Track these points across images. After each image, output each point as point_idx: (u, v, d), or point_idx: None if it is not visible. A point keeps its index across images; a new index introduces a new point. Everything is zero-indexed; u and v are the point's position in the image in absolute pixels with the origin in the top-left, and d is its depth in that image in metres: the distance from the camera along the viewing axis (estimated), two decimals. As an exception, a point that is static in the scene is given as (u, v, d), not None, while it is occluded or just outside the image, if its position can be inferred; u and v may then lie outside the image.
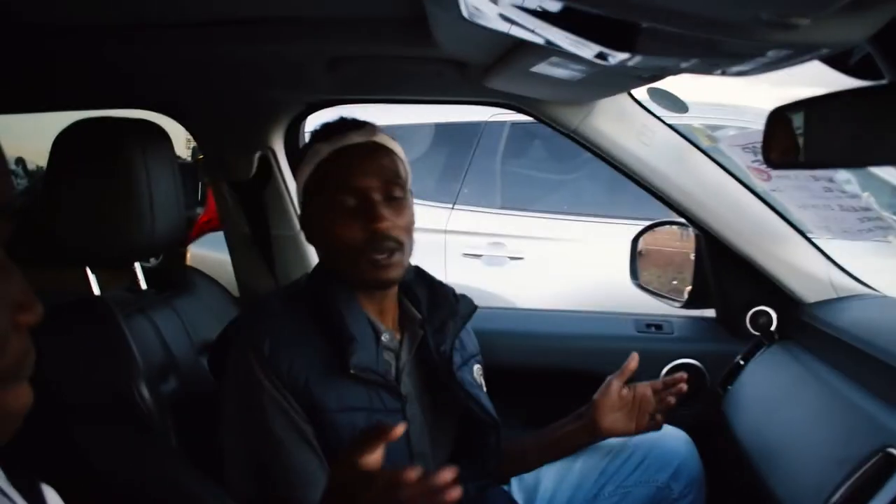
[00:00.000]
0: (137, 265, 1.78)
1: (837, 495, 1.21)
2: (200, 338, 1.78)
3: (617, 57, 0.93)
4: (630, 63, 0.97)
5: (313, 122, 2.19)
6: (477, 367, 1.71)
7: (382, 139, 1.50)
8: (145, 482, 1.42)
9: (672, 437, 1.80)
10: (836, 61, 1.13)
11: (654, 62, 1.00)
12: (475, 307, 1.67)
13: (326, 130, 1.50)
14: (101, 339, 1.45)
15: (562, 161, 4.12)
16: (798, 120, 1.08)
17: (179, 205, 1.68)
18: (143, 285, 1.81)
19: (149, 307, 1.67)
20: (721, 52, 0.89)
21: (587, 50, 0.93)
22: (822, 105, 1.04)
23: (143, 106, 2.00)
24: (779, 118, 1.10)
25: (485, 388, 1.70)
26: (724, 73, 1.04)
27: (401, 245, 1.46)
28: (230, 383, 1.41)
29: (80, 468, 1.33)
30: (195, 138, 2.17)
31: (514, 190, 4.12)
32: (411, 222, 1.50)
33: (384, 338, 1.51)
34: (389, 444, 1.40)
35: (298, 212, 1.51)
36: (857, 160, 1.11)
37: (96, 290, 1.66)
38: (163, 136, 1.65)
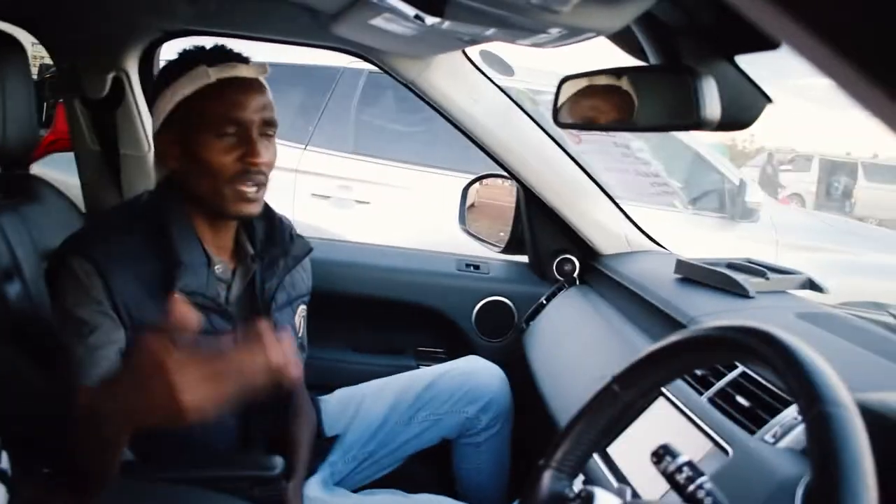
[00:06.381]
0: (-14, 170, 1.80)
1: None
2: (45, 246, 1.81)
3: (431, 20, 1.12)
4: (444, 27, 1.16)
5: (168, 49, 2.29)
6: (301, 309, 1.75)
7: (264, 78, 1.54)
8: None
9: (486, 372, 1.98)
10: (625, 44, 1.36)
11: (463, 28, 1.18)
12: (309, 249, 1.73)
13: (214, 55, 1.49)
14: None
15: (412, 113, 4.27)
16: (581, 88, 1.31)
17: (33, 115, 1.74)
18: (-10, 190, 1.83)
19: (-5, 210, 1.72)
20: (513, 26, 1.09)
21: (407, 11, 1.11)
22: (601, 77, 1.27)
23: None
24: (567, 85, 1.33)
25: (301, 331, 1.74)
26: (531, 45, 1.25)
27: (266, 181, 1.51)
28: (60, 286, 1.43)
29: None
30: (50, 53, 2.19)
31: (366, 137, 4.27)
32: (275, 161, 1.54)
33: (217, 268, 1.54)
34: None
35: (154, 127, 1.52)
36: (622, 126, 1.34)
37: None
38: (18, 48, 1.71)
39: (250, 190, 1.47)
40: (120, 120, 2.23)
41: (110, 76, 2.15)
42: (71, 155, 2.41)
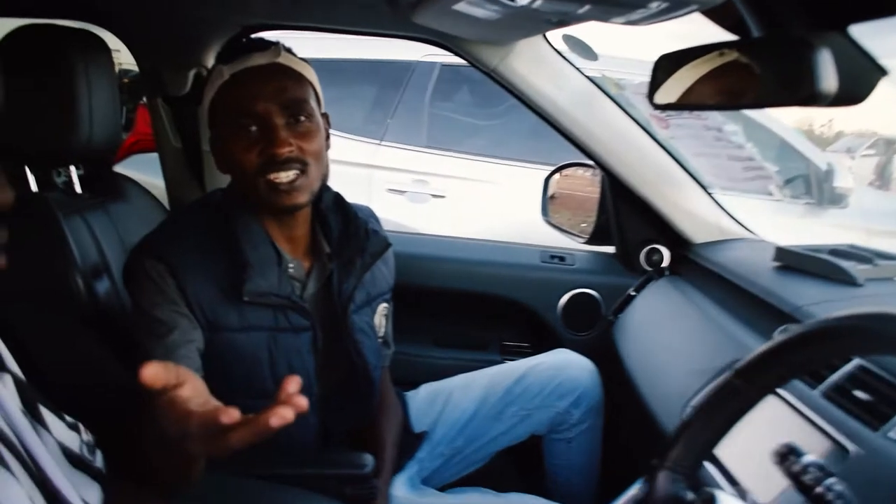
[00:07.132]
0: (73, 169, 1.81)
1: (696, 399, 1.39)
2: (131, 243, 1.82)
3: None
4: (535, 6, 1.11)
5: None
6: (382, 307, 1.70)
7: (288, 60, 1.45)
8: (75, 366, 1.52)
9: (577, 366, 1.92)
10: (721, 18, 1.29)
11: (554, 6, 1.13)
12: (387, 245, 1.66)
13: (229, 52, 1.45)
14: (41, 233, 1.54)
15: (486, 107, 4.23)
16: (680, 66, 1.24)
17: (117, 114, 1.75)
18: (78, 189, 1.84)
19: (84, 209, 1.73)
20: (608, 2, 1.03)
21: (498, -10, 1.07)
22: (699, 54, 1.20)
23: (84, 17, 2.04)
24: (664, 64, 1.26)
25: (384, 330, 1.71)
26: (625, 22, 1.19)
27: (305, 169, 1.41)
28: (136, 286, 1.43)
29: (15, 351, 1.41)
30: (133, 53, 2.21)
31: (439, 130, 4.24)
32: (320, 148, 1.45)
33: (290, 267, 1.51)
34: (294, 361, 1.47)
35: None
36: (727, 104, 1.27)
37: (34, 189, 1.73)
38: (103, 48, 1.72)
39: (282, 180, 1.39)
40: (202, 116, 2.23)
41: (192, 73, 2.16)
42: (152, 156, 2.43)
